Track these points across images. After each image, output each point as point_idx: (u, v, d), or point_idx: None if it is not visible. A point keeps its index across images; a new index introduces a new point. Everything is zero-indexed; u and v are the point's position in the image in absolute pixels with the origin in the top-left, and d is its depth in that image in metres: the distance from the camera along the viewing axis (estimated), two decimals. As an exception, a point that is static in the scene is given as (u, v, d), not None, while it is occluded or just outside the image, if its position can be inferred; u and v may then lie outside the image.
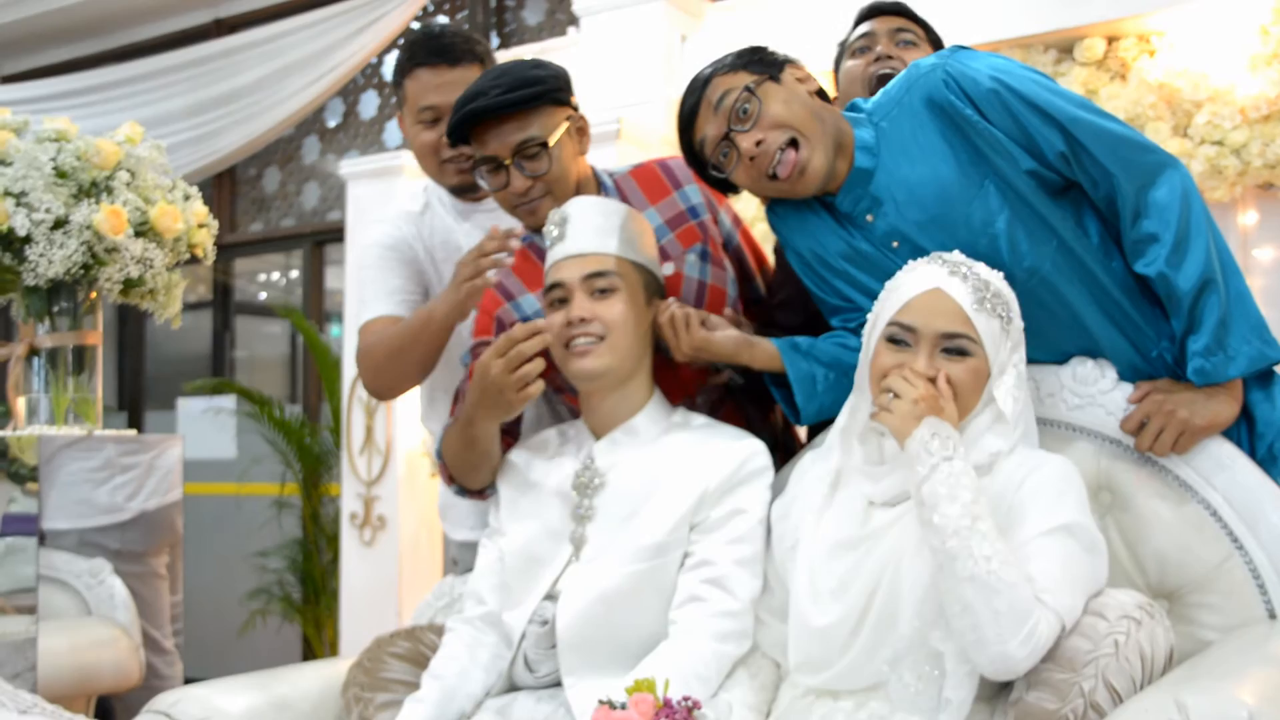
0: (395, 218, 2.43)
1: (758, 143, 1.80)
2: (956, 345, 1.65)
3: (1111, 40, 3.46)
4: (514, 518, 1.99)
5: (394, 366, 2.23)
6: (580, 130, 2.11)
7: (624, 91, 4.08)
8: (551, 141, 2.02)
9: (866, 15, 2.31)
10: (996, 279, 1.70)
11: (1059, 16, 3.43)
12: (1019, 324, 1.70)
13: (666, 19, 4.11)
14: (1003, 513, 1.60)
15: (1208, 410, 1.74)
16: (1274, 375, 1.82)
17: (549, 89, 2.03)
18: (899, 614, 1.60)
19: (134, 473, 3.07)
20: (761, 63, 1.87)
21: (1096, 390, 1.83)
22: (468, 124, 2.02)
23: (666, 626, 1.82)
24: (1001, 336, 1.67)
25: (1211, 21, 3.29)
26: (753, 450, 1.89)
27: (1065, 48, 3.51)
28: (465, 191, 2.35)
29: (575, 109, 2.10)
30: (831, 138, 1.82)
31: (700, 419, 1.98)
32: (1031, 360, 1.87)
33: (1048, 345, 1.86)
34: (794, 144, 1.80)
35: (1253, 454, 1.79)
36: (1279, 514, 1.71)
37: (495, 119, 2.01)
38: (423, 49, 2.31)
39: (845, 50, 2.30)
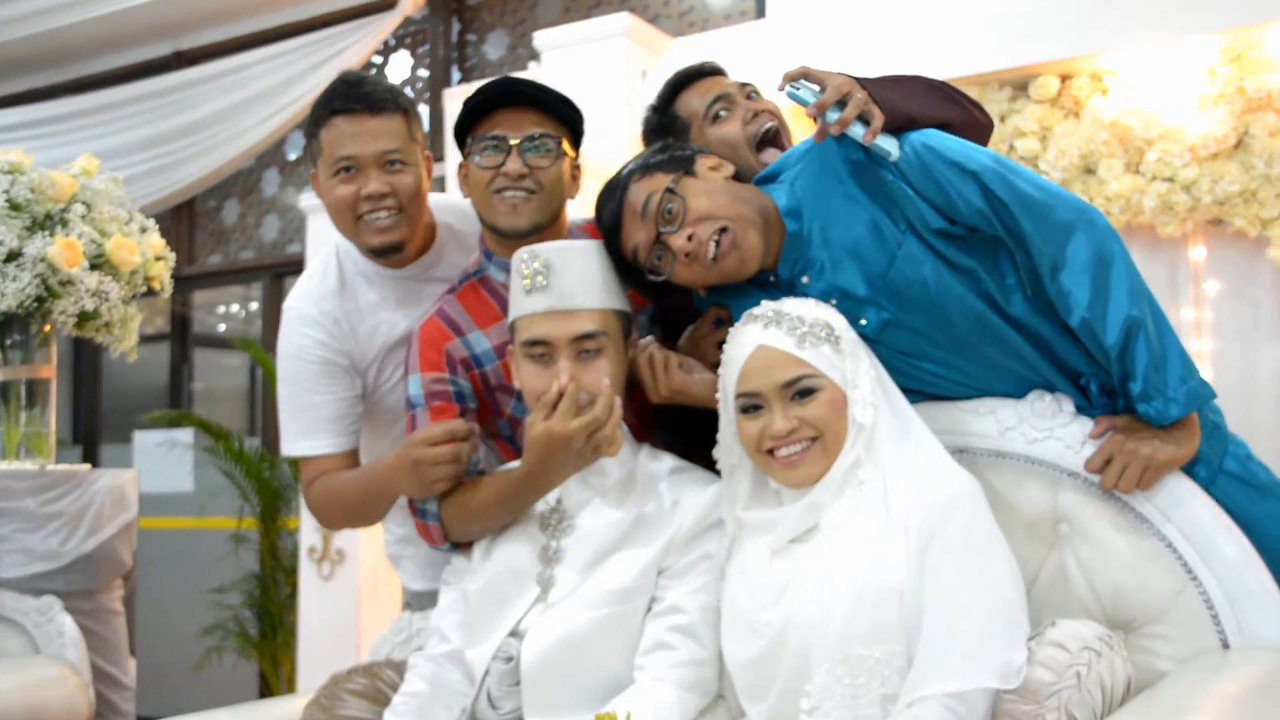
0: (312, 312, 2.23)
1: (689, 238, 1.80)
2: (800, 387, 1.70)
3: (1065, 79, 3.51)
4: (482, 555, 1.97)
5: (352, 521, 2.27)
6: (575, 175, 2.13)
7: (585, 126, 4.09)
8: (563, 145, 2.05)
9: (688, 81, 2.24)
10: (810, 308, 1.75)
11: (1014, 55, 3.47)
12: (850, 337, 1.76)
13: (627, 54, 4.13)
14: (915, 533, 1.62)
15: (1168, 447, 1.75)
16: None
17: (579, 118, 2.10)
18: (812, 665, 1.61)
19: (61, 520, 3.01)
20: (673, 160, 1.87)
21: (1055, 424, 1.85)
22: (496, 98, 2.03)
23: (631, 670, 1.80)
24: (836, 358, 1.72)
25: (1162, 62, 3.35)
26: (720, 495, 1.88)
27: (1020, 85, 3.56)
28: (383, 254, 2.18)
29: (577, 159, 2.13)
30: (759, 216, 1.84)
31: (668, 459, 1.96)
32: (992, 394, 1.91)
33: (1004, 379, 1.89)
34: (724, 230, 1.81)
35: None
36: (1232, 546, 1.73)
37: (520, 107, 2.03)
38: (341, 96, 2.12)
39: (701, 118, 2.19)
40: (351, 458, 2.23)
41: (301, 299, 2.26)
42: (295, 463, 4.95)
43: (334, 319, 2.21)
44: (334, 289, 2.24)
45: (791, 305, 1.75)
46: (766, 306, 1.76)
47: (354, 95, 2.12)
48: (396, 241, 2.16)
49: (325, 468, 2.20)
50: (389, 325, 2.24)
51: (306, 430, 2.21)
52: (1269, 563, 1.75)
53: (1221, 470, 1.84)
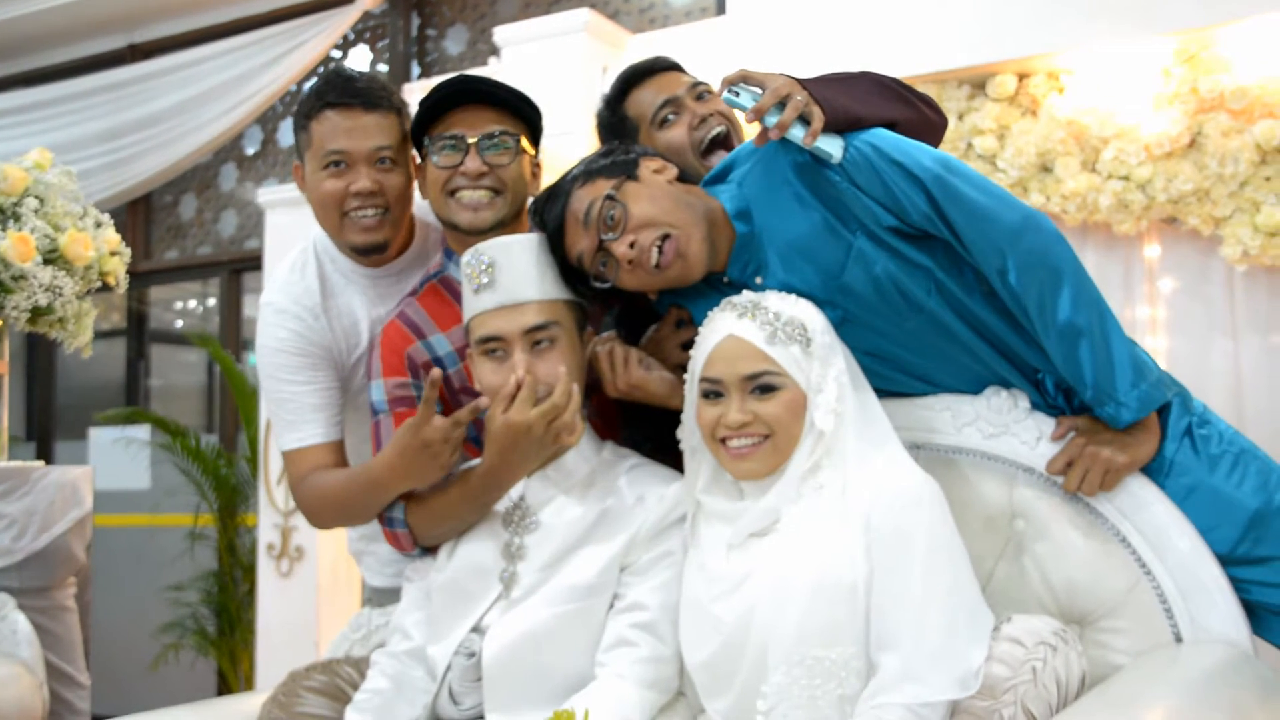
0: (292, 308, 2.19)
1: (631, 244, 1.79)
2: (762, 383, 1.70)
3: (1023, 77, 3.54)
4: (446, 553, 1.96)
5: (345, 520, 2.17)
6: (535, 172, 2.12)
7: (545, 122, 4.09)
8: (522, 142, 2.04)
9: (640, 78, 2.22)
10: (789, 305, 1.74)
11: (972, 53, 3.50)
12: (824, 340, 1.74)
13: (587, 50, 4.13)
14: (874, 532, 1.62)
15: (1126, 452, 1.76)
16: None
17: (537, 115, 2.09)
18: (769, 665, 1.61)
19: (13, 516, 2.98)
20: (615, 165, 1.86)
21: (1010, 419, 1.86)
22: (453, 97, 2.01)
23: (593, 667, 1.80)
24: (804, 359, 1.71)
25: (1118, 62, 3.39)
26: (682, 492, 1.88)
27: (978, 84, 3.59)
28: (365, 253, 2.17)
29: (536, 156, 2.11)
30: (703, 220, 1.83)
31: (631, 457, 1.96)
32: (949, 390, 1.92)
33: (961, 375, 1.90)
34: (666, 238, 1.80)
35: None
36: (1184, 541, 1.75)
37: (478, 104, 2.02)
38: (336, 89, 2.10)
39: (649, 122, 2.18)
40: (339, 449, 2.17)
41: (277, 293, 2.23)
42: (254, 460, 4.95)
43: (313, 312, 2.19)
44: (312, 284, 2.21)
45: (772, 300, 1.75)
46: (746, 296, 1.76)
47: (349, 89, 2.10)
48: (380, 241, 2.15)
49: (314, 462, 2.14)
50: (367, 323, 2.22)
51: (293, 423, 2.16)
52: (1215, 515, 1.77)
53: (1188, 432, 1.83)
